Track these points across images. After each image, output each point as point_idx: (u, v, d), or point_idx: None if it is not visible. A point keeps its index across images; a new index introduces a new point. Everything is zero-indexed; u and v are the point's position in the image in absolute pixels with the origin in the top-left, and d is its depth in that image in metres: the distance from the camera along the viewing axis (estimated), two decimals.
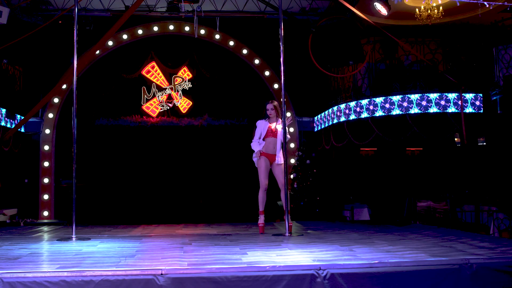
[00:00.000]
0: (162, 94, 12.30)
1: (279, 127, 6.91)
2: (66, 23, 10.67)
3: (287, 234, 6.87)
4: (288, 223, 6.66)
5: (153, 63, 12.33)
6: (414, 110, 9.96)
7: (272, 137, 6.90)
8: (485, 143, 10.70)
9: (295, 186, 11.35)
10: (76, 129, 6.95)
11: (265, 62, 12.38)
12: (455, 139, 10.80)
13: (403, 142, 11.43)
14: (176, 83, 12.36)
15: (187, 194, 12.00)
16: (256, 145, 6.94)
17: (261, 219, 7.03)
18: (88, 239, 6.54)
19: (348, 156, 12.02)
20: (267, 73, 12.39)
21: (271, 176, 7.03)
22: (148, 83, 12.32)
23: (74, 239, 6.46)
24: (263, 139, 6.91)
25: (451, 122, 9.93)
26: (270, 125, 6.91)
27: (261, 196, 6.97)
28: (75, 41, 7.15)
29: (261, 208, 7.01)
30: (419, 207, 11.11)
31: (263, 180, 6.88)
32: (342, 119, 10.91)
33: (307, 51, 10.02)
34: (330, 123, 11.43)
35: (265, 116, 6.96)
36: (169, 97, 12.34)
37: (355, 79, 11.49)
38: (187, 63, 12.40)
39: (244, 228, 7.77)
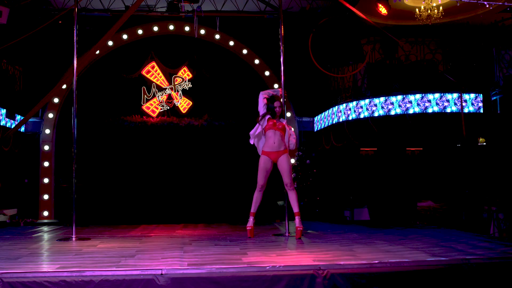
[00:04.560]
0: (162, 94, 12.30)
1: (283, 122, 6.56)
2: (66, 23, 10.66)
3: (287, 234, 6.87)
4: (297, 225, 6.40)
5: (153, 63, 12.33)
6: (414, 110, 9.96)
7: (273, 129, 6.43)
8: (485, 143, 10.70)
9: (295, 186, 11.35)
10: (76, 129, 6.96)
11: (265, 62, 12.37)
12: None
13: (403, 142, 11.44)
14: (176, 83, 12.36)
15: (187, 194, 11.99)
16: (251, 139, 6.62)
17: (250, 222, 6.61)
18: (88, 239, 6.54)
19: (348, 156, 12.02)
20: (267, 73, 12.39)
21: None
22: (148, 83, 12.31)
23: (74, 239, 6.47)
24: (264, 133, 6.47)
25: (451, 122, 9.93)
26: (278, 123, 6.49)
27: (255, 196, 6.58)
28: (75, 41, 7.15)
29: (252, 209, 6.62)
30: (419, 207, 11.12)
31: (259, 180, 6.49)
32: (342, 119, 10.91)
33: (307, 51, 10.02)
34: (330, 123, 11.43)
35: (273, 115, 6.52)
36: (169, 97, 12.34)
37: (355, 79, 11.49)
38: (187, 63, 12.40)
39: (244, 228, 7.76)
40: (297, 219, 6.41)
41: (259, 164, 6.54)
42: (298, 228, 6.36)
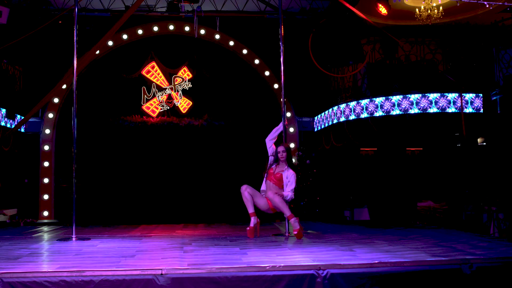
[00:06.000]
0: (162, 94, 12.30)
1: (286, 176, 6.45)
2: (66, 23, 10.66)
3: (287, 234, 6.87)
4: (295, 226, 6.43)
5: (153, 63, 12.32)
6: (414, 110, 9.97)
7: (271, 182, 6.54)
8: (484, 143, 10.71)
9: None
10: (76, 129, 6.97)
11: (265, 62, 12.37)
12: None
13: (403, 142, 11.44)
14: (176, 83, 12.36)
15: (187, 194, 11.99)
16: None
17: (252, 222, 6.59)
18: (88, 239, 6.55)
19: (348, 156, 12.02)
20: (267, 73, 12.39)
21: None
22: (148, 83, 12.31)
23: (74, 239, 6.48)
24: (266, 180, 6.61)
25: (451, 122, 9.93)
26: (275, 168, 6.57)
27: (243, 197, 6.58)
28: (75, 41, 7.16)
29: (249, 209, 6.59)
30: (419, 207, 11.12)
31: (249, 186, 6.56)
32: (342, 119, 10.91)
33: (307, 51, 10.02)
34: (330, 123, 11.43)
35: (276, 160, 6.59)
36: (169, 97, 12.34)
37: (355, 79, 11.49)
38: (187, 63, 12.39)
39: (244, 228, 7.77)
40: (291, 221, 6.37)
41: (260, 194, 6.60)
42: (294, 232, 6.35)
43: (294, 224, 6.35)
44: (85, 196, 11.11)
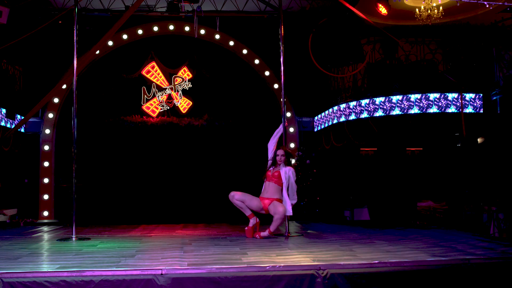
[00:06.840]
0: (162, 94, 12.30)
1: (284, 171, 6.55)
2: (66, 23, 10.66)
3: (287, 234, 6.88)
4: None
5: (153, 63, 12.33)
6: (414, 110, 9.96)
7: (271, 182, 6.61)
8: (484, 143, 10.70)
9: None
10: (76, 129, 6.97)
11: (265, 62, 12.37)
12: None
13: (403, 142, 11.44)
14: (176, 83, 12.36)
15: (187, 194, 12.00)
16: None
17: (250, 222, 6.74)
18: (88, 239, 6.55)
19: (348, 156, 12.02)
20: (267, 73, 12.39)
21: None
22: (148, 83, 12.31)
23: (74, 239, 6.49)
24: (265, 181, 6.69)
25: (451, 122, 9.93)
26: (273, 170, 6.63)
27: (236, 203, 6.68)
28: (75, 41, 7.17)
29: (246, 212, 6.72)
30: (419, 207, 11.12)
31: (244, 197, 6.60)
32: (342, 119, 10.91)
33: (307, 51, 10.01)
34: (330, 123, 11.43)
35: (273, 163, 6.66)
36: (169, 97, 12.34)
37: (355, 79, 11.49)
38: (187, 63, 12.40)
39: (244, 228, 7.77)
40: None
41: (253, 197, 6.68)
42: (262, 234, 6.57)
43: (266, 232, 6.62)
44: (85, 196, 11.10)
